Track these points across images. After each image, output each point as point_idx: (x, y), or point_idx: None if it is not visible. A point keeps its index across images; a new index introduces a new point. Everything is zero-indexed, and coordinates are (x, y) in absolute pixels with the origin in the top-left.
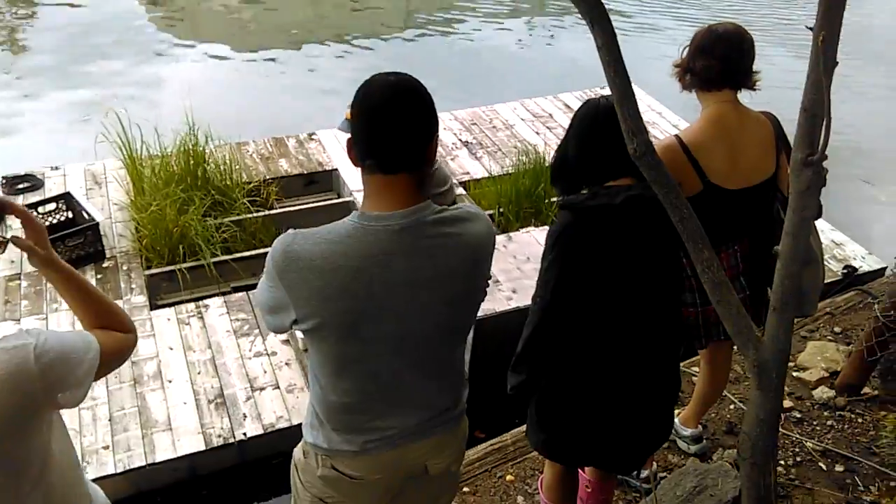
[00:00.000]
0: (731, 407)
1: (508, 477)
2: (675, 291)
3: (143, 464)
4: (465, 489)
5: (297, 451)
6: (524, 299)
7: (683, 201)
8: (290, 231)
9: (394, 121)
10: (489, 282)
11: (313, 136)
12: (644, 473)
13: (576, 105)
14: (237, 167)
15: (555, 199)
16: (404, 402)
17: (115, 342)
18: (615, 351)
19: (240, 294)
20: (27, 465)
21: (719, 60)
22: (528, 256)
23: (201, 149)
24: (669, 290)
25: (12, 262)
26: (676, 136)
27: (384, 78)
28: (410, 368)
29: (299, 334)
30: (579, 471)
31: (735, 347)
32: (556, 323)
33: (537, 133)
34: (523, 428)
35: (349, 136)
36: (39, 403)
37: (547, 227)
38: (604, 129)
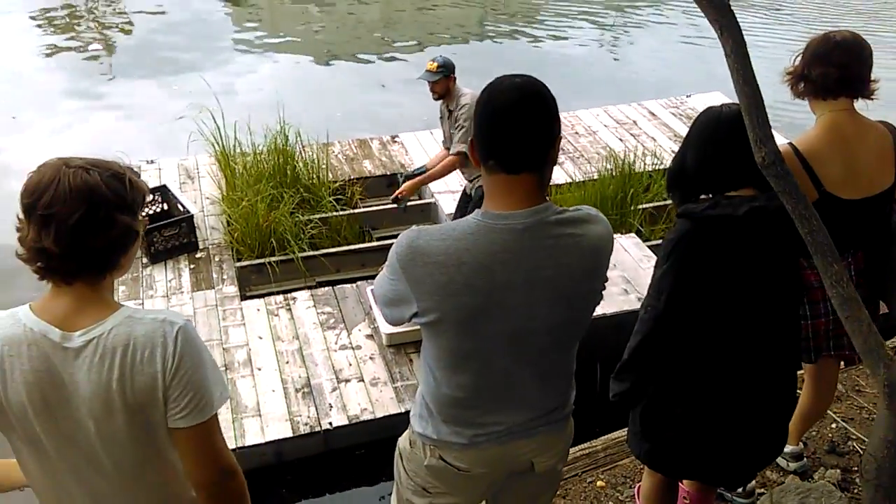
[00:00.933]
0: (833, 426)
1: (599, 483)
2: (795, 304)
3: (233, 447)
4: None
5: (403, 440)
6: (610, 307)
7: (813, 213)
8: (414, 227)
9: (519, 122)
10: (605, 284)
11: (396, 139)
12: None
13: (661, 113)
14: (323, 166)
15: (642, 206)
16: (514, 400)
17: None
18: (730, 363)
19: (326, 288)
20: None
21: (837, 68)
22: (614, 263)
23: (290, 148)
24: (789, 303)
25: None
26: (790, 143)
27: (510, 80)
28: (523, 366)
29: (384, 329)
30: (679, 482)
31: (842, 364)
32: (666, 333)
33: (621, 140)
34: (613, 435)
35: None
36: (168, 388)
37: (633, 235)
38: (727, 138)
